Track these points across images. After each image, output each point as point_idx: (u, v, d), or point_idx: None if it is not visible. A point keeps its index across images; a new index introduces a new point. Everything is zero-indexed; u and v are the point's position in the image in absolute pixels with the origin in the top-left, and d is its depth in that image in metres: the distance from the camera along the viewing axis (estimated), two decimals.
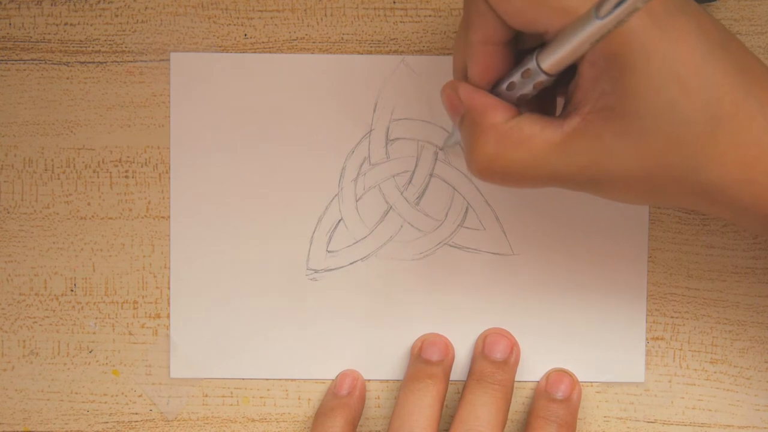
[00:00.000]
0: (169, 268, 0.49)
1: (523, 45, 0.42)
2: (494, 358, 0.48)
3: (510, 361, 0.48)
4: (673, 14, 0.39)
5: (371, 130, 0.49)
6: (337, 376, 0.49)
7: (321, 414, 0.48)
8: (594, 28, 0.37)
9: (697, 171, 0.39)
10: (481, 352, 0.49)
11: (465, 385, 0.48)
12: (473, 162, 0.41)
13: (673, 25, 0.39)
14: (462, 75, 0.43)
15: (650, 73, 0.38)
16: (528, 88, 0.40)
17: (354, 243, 0.49)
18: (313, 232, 0.49)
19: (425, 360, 0.48)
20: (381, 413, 0.50)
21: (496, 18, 0.40)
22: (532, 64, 0.40)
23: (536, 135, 0.40)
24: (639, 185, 0.40)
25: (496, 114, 0.40)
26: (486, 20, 0.40)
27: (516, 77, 0.41)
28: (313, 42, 0.49)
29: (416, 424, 0.46)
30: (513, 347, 0.49)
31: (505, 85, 0.41)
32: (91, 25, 0.49)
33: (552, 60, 0.39)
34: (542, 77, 0.40)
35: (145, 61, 0.49)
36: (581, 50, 0.38)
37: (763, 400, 0.49)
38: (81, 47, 0.49)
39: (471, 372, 0.48)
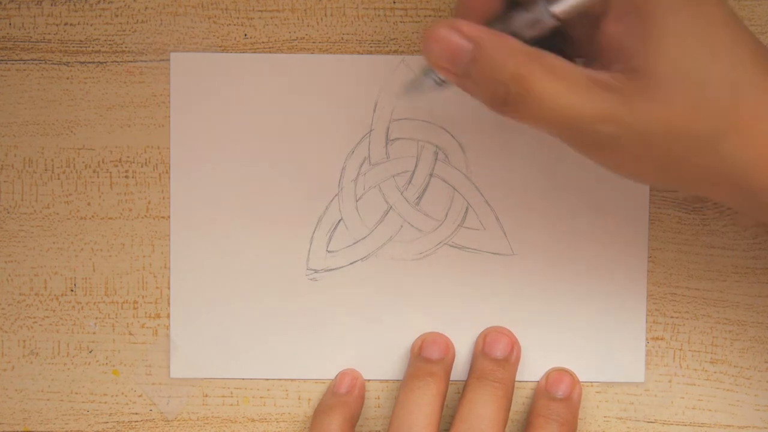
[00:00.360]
0: (169, 268, 0.49)
1: None
2: (495, 356, 0.48)
3: (511, 359, 0.48)
4: None
5: (371, 130, 0.49)
6: (336, 375, 0.49)
7: (319, 412, 0.48)
8: None
9: (718, 141, 0.38)
10: (481, 350, 0.49)
11: (465, 384, 0.48)
12: (493, 90, 0.38)
13: None
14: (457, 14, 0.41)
15: (677, 31, 0.37)
16: (527, 33, 0.38)
17: (354, 243, 0.49)
18: (313, 232, 0.49)
19: (425, 358, 0.48)
20: (381, 413, 0.50)
21: None
22: (540, 5, 0.38)
23: (561, 67, 0.38)
24: (657, 152, 0.38)
25: (517, 43, 0.38)
26: None
27: (517, 19, 0.39)
28: (313, 42, 0.49)
29: (416, 421, 0.46)
30: (513, 345, 0.48)
31: (499, 27, 0.39)
32: (91, 25, 0.49)
33: (566, 3, 0.38)
34: (548, 21, 0.38)
35: (145, 61, 0.49)
36: None
37: (763, 400, 0.49)
38: (81, 47, 0.49)
39: (471, 371, 0.48)
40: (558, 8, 0.38)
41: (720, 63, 0.38)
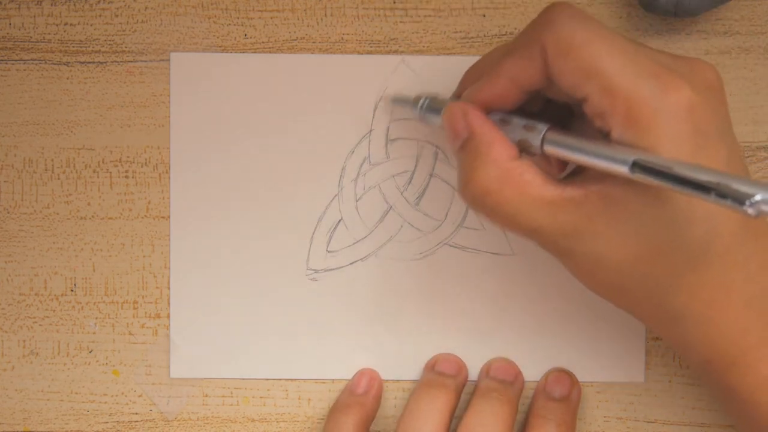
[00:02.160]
0: (169, 268, 0.49)
1: (546, 93, 0.41)
2: (500, 379, 0.48)
3: (516, 383, 0.48)
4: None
5: (371, 130, 0.49)
6: (354, 375, 0.49)
7: (335, 410, 0.48)
8: (619, 172, 0.36)
9: (668, 291, 0.39)
10: (486, 374, 0.49)
11: (470, 400, 0.48)
12: (468, 191, 0.40)
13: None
14: (468, 84, 0.42)
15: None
16: (518, 142, 0.40)
17: (354, 243, 0.49)
18: (313, 232, 0.49)
19: (439, 372, 0.48)
20: (382, 413, 0.50)
21: (541, 68, 0.39)
22: (535, 139, 0.40)
23: (534, 186, 0.39)
24: (608, 275, 0.40)
25: (502, 150, 0.40)
26: (530, 64, 0.39)
27: (516, 128, 0.40)
28: (313, 42, 0.49)
29: (424, 424, 0.46)
30: (518, 374, 0.49)
31: (498, 121, 0.41)
32: (91, 25, 0.49)
33: (558, 153, 0.39)
34: (536, 150, 0.40)
35: (145, 61, 0.49)
36: (596, 168, 0.38)
37: None
38: (81, 47, 0.49)
39: (477, 389, 0.48)
40: (550, 149, 0.40)
41: (697, 227, 0.38)
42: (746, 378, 0.40)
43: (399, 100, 0.47)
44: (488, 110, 0.41)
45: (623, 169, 0.36)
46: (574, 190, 0.39)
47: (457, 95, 0.44)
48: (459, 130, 0.41)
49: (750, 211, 0.32)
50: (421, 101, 0.45)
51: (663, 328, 0.41)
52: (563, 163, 0.42)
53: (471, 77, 0.43)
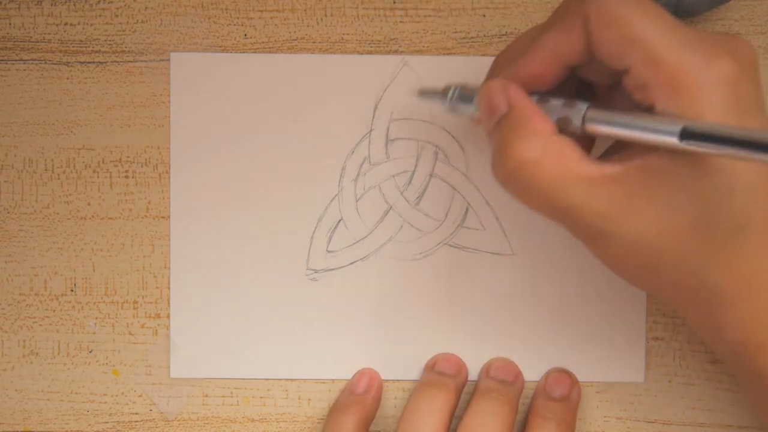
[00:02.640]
0: (169, 268, 0.49)
1: (582, 73, 0.41)
2: (500, 379, 0.48)
3: (516, 383, 0.48)
4: None
5: (371, 130, 0.49)
6: (354, 375, 0.49)
7: (335, 410, 0.48)
8: (666, 143, 0.36)
9: (705, 268, 0.39)
10: (486, 374, 0.49)
11: (470, 400, 0.48)
12: (504, 164, 0.39)
13: None
14: (500, 69, 0.42)
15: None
16: (557, 121, 0.40)
17: (354, 243, 0.49)
18: (313, 232, 0.49)
19: (439, 371, 0.48)
20: (382, 413, 0.50)
21: (583, 40, 0.39)
22: (576, 117, 0.39)
23: (574, 160, 0.39)
24: (644, 257, 0.39)
25: (542, 124, 0.39)
26: (572, 36, 0.39)
27: (555, 107, 0.40)
28: (313, 42, 0.49)
29: (423, 424, 0.46)
30: (518, 374, 0.49)
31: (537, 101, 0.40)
32: (91, 25, 0.49)
33: (601, 130, 0.39)
34: (576, 128, 0.39)
35: (145, 61, 0.49)
36: (641, 142, 0.37)
37: None
38: (81, 47, 0.49)
39: (477, 389, 0.48)
40: (592, 127, 0.39)
41: (735, 202, 0.38)
42: None
43: (427, 93, 0.46)
44: (527, 89, 0.41)
45: (671, 139, 0.35)
46: (614, 166, 0.38)
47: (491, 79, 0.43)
48: (498, 105, 0.40)
49: None
50: (452, 91, 0.44)
51: (695, 310, 0.41)
52: (591, 147, 0.42)
53: (503, 61, 0.43)
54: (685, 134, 0.35)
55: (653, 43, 0.37)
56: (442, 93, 0.44)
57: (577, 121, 0.39)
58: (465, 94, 0.43)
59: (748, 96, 0.38)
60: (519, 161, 0.39)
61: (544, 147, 0.39)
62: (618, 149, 0.41)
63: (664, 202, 0.38)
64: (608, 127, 0.38)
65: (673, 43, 0.37)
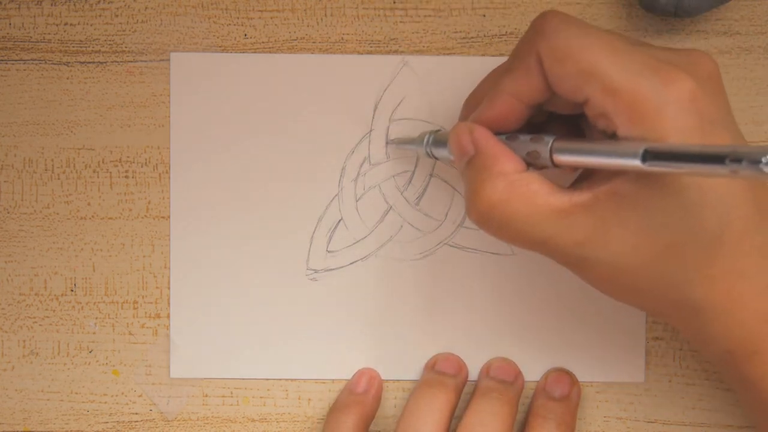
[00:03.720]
0: (169, 268, 0.49)
1: (548, 106, 0.42)
2: (500, 379, 0.48)
3: (516, 383, 0.48)
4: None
5: (371, 130, 0.49)
6: (354, 374, 0.49)
7: (335, 410, 0.48)
8: (630, 166, 0.36)
9: (685, 284, 0.39)
10: (486, 374, 0.49)
11: (470, 400, 0.48)
12: (475, 206, 0.40)
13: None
14: (468, 113, 0.42)
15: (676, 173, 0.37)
16: (526, 155, 0.40)
17: (354, 243, 0.49)
18: (313, 232, 0.49)
19: (439, 371, 0.48)
20: (382, 413, 0.50)
21: (540, 79, 0.39)
22: (544, 150, 0.39)
23: (542, 195, 0.39)
24: (625, 278, 0.39)
25: (508, 163, 0.40)
26: (529, 77, 0.39)
27: (523, 143, 0.40)
28: (313, 42, 0.49)
29: (423, 424, 0.46)
30: (518, 374, 0.49)
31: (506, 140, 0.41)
32: (91, 25, 0.49)
33: (568, 160, 0.39)
34: (545, 161, 0.40)
35: (145, 61, 0.49)
36: (607, 167, 0.38)
37: None
38: (81, 47, 0.49)
39: (477, 389, 0.48)
40: (559, 158, 0.39)
41: (709, 216, 0.38)
42: None
43: (402, 141, 0.48)
44: (494, 130, 0.41)
45: (635, 162, 0.36)
46: (583, 194, 0.39)
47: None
48: (465, 147, 0.41)
49: (766, 169, 0.32)
50: (426, 137, 0.45)
51: (682, 322, 0.41)
52: (570, 175, 0.42)
53: (471, 104, 0.43)
54: (647, 156, 0.35)
55: (608, 72, 0.37)
56: (418, 139, 0.46)
57: (545, 155, 0.40)
58: (438, 139, 0.45)
59: (711, 111, 0.38)
60: (488, 203, 0.40)
61: (511, 186, 0.39)
62: (587, 176, 0.41)
63: (635, 224, 0.38)
64: (574, 156, 0.39)
65: (628, 69, 0.37)
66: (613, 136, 0.38)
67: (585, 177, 0.41)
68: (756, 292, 0.39)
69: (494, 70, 0.43)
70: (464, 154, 0.41)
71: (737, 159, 0.32)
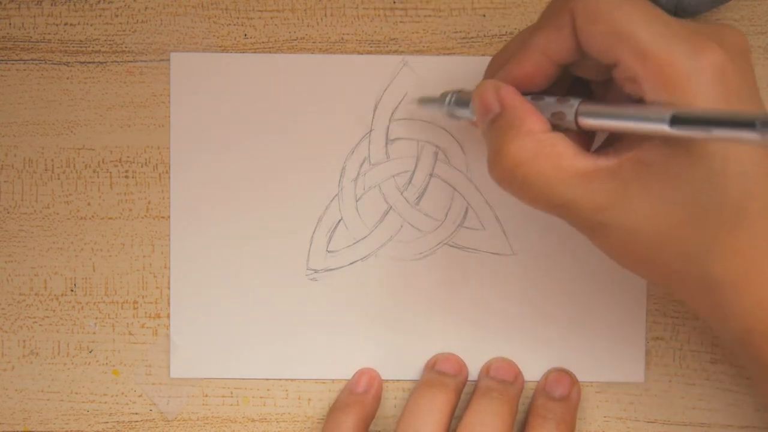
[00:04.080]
0: (169, 268, 0.49)
1: (575, 70, 0.41)
2: (500, 379, 0.48)
3: (516, 383, 0.48)
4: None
5: (371, 130, 0.49)
6: (354, 374, 0.49)
7: (335, 409, 0.48)
8: (658, 131, 0.36)
9: (705, 257, 0.39)
10: (486, 374, 0.49)
11: (470, 400, 0.48)
12: (499, 164, 0.40)
13: None
14: (495, 72, 0.42)
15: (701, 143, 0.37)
16: (551, 116, 0.40)
17: (354, 243, 0.49)
18: (313, 232, 0.49)
19: (439, 371, 0.48)
20: (382, 413, 0.50)
21: (571, 38, 0.39)
22: (569, 112, 0.39)
23: (568, 157, 0.39)
24: (643, 248, 0.39)
25: (535, 123, 0.40)
26: (560, 35, 0.39)
27: (549, 104, 0.40)
28: (313, 42, 0.49)
29: (423, 424, 0.46)
30: (518, 374, 0.49)
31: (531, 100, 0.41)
32: (91, 25, 0.49)
33: (594, 123, 0.39)
34: (569, 123, 0.39)
35: (145, 61, 0.49)
36: (633, 132, 0.37)
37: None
38: (81, 47, 0.49)
39: (477, 389, 0.48)
40: (585, 121, 0.39)
41: (732, 188, 0.38)
42: None
43: (426, 101, 0.47)
44: (520, 90, 0.41)
45: (662, 126, 0.35)
46: (608, 160, 0.39)
47: None
48: (490, 105, 0.41)
49: None
50: (449, 96, 0.45)
51: (699, 298, 0.40)
52: (591, 141, 0.42)
53: (498, 62, 0.43)
54: (676, 120, 0.35)
55: (640, 36, 0.38)
56: (440, 98, 0.45)
57: (570, 117, 0.40)
58: (461, 98, 0.44)
59: (738, 84, 0.38)
60: (514, 161, 0.39)
61: (537, 145, 0.39)
62: (612, 142, 0.41)
63: (659, 193, 0.38)
64: (600, 119, 0.39)
65: (660, 35, 0.37)
66: (639, 102, 0.38)
67: (610, 143, 0.41)
68: None
69: (523, 30, 0.43)
70: (489, 112, 0.41)
71: (766, 123, 0.32)
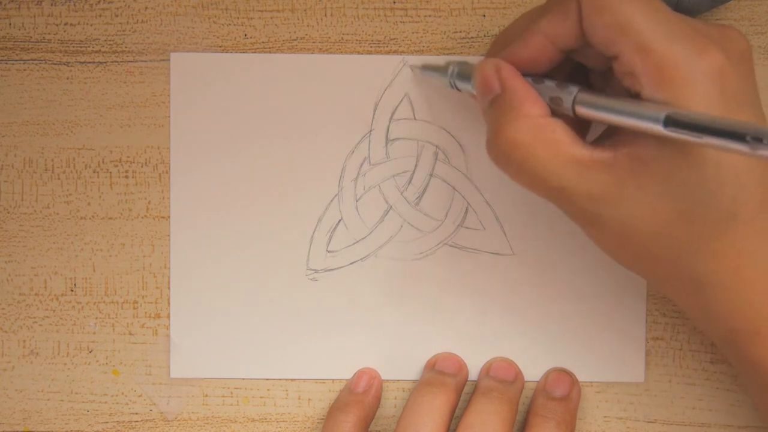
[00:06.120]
0: (169, 268, 0.49)
1: (577, 57, 0.42)
2: (500, 378, 0.48)
3: (516, 383, 0.48)
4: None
5: (371, 130, 0.49)
6: (354, 374, 0.49)
7: (335, 409, 0.48)
8: (651, 130, 0.36)
9: (695, 257, 0.39)
10: (486, 373, 0.49)
11: (470, 399, 0.48)
12: (497, 145, 0.40)
13: None
14: (498, 51, 0.42)
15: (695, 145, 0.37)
16: (549, 100, 0.40)
17: (354, 243, 0.49)
18: (313, 232, 0.49)
19: (439, 371, 0.48)
20: (382, 413, 0.50)
21: (576, 25, 0.39)
22: (567, 99, 0.39)
23: (565, 144, 0.39)
24: (635, 243, 0.39)
25: (535, 106, 0.40)
26: (566, 21, 0.40)
27: (548, 88, 0.40)
28: (313, 42, 0.49)
29: (423, 423, 0.46)
30: (518, 374, 0.49)
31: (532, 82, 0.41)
32: (91, 25, 0.49)
33: (590, 113, 0.39)
34: (567, 110, 0.40)
35: (145, 61, 0.49)
36: (627, 127, 0.38)
37: None
38: (81, 47, 0.49)
39: (477, 388, 0.48)
40: (581, 110, 0.39)
41: (724, 193, 0.38)
42: None
43: (428, 69, 0.47)
44: (521, 71, 0.41)
45: (656, 126, 0.36)
46: (604, 152, 0.39)
47: None
48: (491, 85, 0.41)
49: None
50: (452, 68, 0.45)
51: (687, 297, 0.41)
52: (587, 128, 0.42)
53: (500, 43, 0.43)
54: (669, 122, 0.35)
55: (643, 31, 0.38)
56: (443, 68, 0.45)
57: (567, 104, 0.40)
58: (464, 71, 0.44)
59: (736, 89, 0.38)
60: (511, 143, 0.40)
61: (536, 130, 0.39)
62: (611, 134, 0.41)
63: (652, 189, 0.38)
64: (597, 111, 0.39)
65: (664, 32, 0.38)
66: (636, 97, 0.38)
67: (608, 135, 0.41)
68: (763, 273, 0.39)
69: (528, 12, 0.43)
70: (489, 92, 0.41)
71: (758, 137, 0.32)
